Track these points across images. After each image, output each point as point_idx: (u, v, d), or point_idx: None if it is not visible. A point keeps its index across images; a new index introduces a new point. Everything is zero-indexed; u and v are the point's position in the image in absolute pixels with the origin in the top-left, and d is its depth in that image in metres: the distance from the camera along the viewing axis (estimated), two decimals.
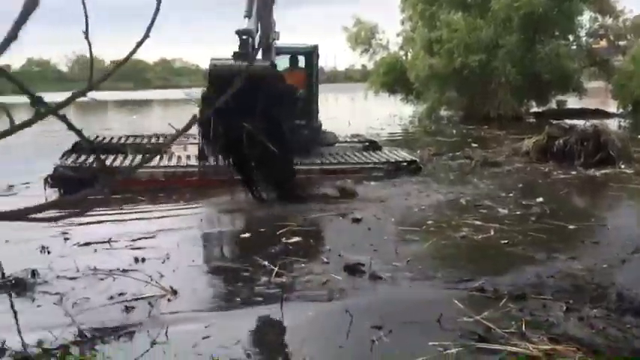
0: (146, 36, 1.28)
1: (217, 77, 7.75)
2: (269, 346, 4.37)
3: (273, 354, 4.24)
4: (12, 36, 1.08)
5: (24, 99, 1.25)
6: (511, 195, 9.57)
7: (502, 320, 4.61)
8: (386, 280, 5.59)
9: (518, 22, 23.83)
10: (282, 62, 12.97)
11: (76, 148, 11.58)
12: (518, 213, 8.32)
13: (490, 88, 24.73)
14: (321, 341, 4.41)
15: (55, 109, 1.23)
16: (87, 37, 1.25)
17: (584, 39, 27.49)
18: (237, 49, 8.39)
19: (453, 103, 26.24)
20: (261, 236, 7.24)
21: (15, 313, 3.78)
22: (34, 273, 5.52)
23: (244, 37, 8.30)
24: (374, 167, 11.41)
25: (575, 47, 26.37)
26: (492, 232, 7.23)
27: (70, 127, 1.30)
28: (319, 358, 4.04)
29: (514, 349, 4.11)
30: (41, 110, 1.22)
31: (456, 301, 4.91)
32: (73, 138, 11.94)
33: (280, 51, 12.65)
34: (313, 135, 12.29)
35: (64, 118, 1.28)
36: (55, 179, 9.56)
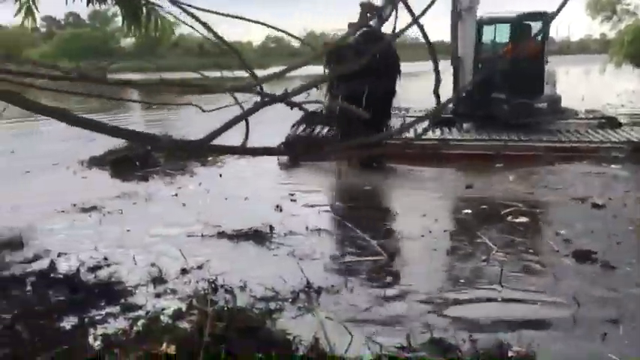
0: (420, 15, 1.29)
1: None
2: (483, 329, 4.16)
3: (485, 334, 4.03)
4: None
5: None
6: None
7: None
8: (623, 273, 5.01)
9: None
10: (503, 32, 12.10)
11: (303, 120, 12.51)
12: None
13: None
14: (542, 327, 4.14)
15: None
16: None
17: None
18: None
19: None
20: (483, 214, 6.97)
21: None
22: (271, 228, 6.20)
23: (365, 10, 9.17)
24: (612, 147, 10.15)
25: None
26: None
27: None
28: (540, 343, 3.80)
29: None
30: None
31: None
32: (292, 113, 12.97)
33: (497, 20, 11.86)
34: (537, 111, 11.39)
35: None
36: (286, 146, 10.51)
